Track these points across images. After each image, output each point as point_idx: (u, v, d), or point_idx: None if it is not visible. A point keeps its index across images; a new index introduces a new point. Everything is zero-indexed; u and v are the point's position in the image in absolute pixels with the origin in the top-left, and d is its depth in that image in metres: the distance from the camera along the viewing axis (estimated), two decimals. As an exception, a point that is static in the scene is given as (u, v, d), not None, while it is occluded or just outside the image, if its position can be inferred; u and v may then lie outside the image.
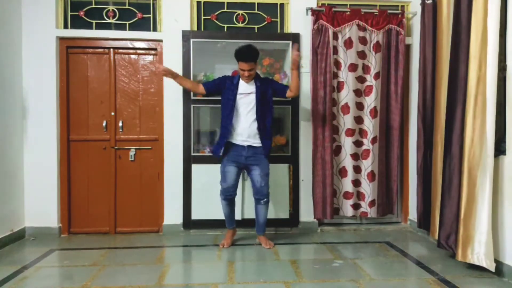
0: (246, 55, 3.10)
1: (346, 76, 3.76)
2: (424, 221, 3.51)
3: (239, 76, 3.26)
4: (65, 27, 3.74)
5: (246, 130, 3.20)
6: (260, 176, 3.25)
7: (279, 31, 3.93)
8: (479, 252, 2.68)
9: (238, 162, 3.24)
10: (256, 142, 3.23)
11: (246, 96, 3.22)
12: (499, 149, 2.70)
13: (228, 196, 3.30)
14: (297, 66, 3.24)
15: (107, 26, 3.79)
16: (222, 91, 3.30)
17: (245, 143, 3.22)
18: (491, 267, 2.63)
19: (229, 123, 3.21)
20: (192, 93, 3.70)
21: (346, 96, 3.76)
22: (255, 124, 3.20)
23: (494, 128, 2.62)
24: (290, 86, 3.26)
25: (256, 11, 3.92)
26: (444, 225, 2.99)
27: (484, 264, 2.65)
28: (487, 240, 2.64)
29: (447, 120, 3.02)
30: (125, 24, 3.81)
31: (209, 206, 3.68)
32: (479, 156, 2.69)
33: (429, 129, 3.44)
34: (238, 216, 3.57)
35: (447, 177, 2.97)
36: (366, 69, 3.80)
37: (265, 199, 3.31)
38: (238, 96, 3.22)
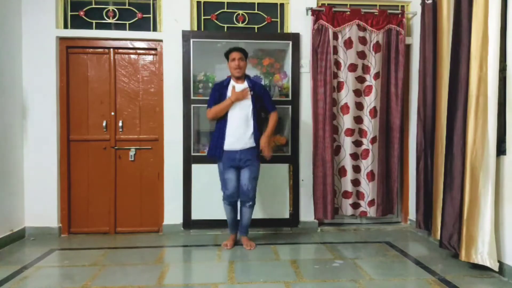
0: (235, 47, 3.23)
1: (346, 76, 3.76)
2: (424, 221, 3.51)
3: (229, 79, 3.27)
4: (65, 27, 3.74)
5: (238, 132, 3.16)
6: (249, 179, 3.20)
7: (279, 31, 3.92)
8: (482, 251, 2.68)
9: (233, 166, 3.20)
10: (250, 142, 3.19)
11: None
12: (499, 149, 2.70)
13: (233, 202, 3.29)
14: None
15: (107, 26, 3.79)
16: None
17: (238, 147, 3.17)
18: (495, 266, 2.63)
19: (222, 127, 3.19)
20: (192, 93, 3.71)
21: (346, 96, 3.76)
22: (251, 125, 3.18)
23: (496, 128, 2.62)
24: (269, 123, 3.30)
25: (256, 11, 3.92)
26: (446, 225, 2.98)
27: (488, 264, 2.65)
28: (490, 239, 2.64)
29: (448, 120, 3.01)
30: (125, 24, 3.81)
31: (209, 206, 3.69)
32: (481, 156, 2.69)
33: (429, 129, 3.44)
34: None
35: (449, 177, 2.97)
36: (366, 69, 3.80)
37: (251, 203, 3.26)
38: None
